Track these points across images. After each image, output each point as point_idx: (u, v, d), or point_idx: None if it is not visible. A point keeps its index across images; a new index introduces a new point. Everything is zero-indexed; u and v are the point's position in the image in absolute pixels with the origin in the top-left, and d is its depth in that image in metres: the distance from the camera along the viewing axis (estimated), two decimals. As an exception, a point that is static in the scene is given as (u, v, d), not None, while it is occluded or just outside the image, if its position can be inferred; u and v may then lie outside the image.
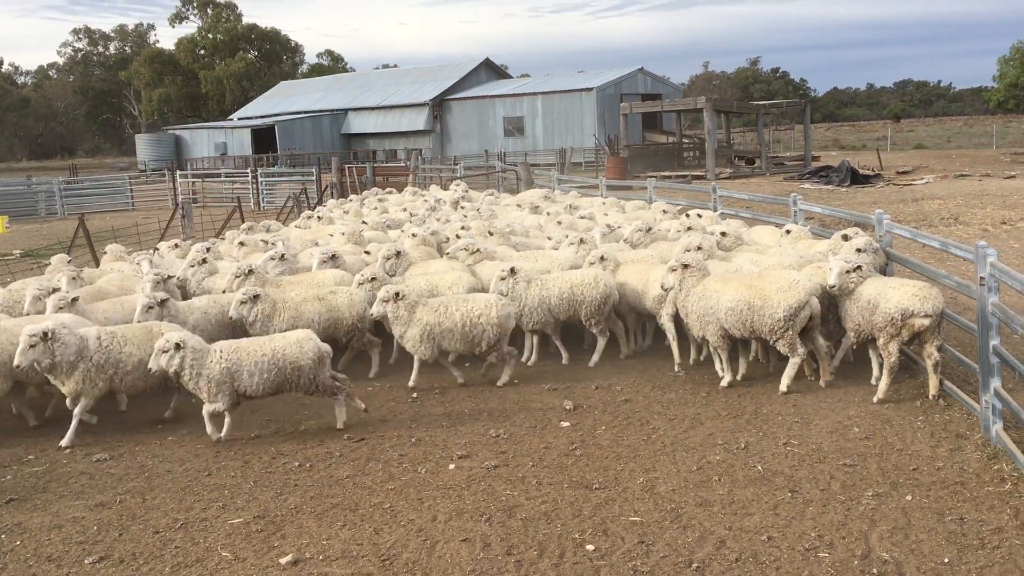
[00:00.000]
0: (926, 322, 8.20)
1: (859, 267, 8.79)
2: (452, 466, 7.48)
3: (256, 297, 9.70)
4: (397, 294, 9.44)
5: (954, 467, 6.97)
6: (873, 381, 9.01)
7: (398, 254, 11.10)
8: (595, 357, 10.32)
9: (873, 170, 36.49)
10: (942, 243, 9.02)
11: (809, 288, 8.78)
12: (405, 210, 18.27)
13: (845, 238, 9.96)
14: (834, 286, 8.75)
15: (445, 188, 23.75)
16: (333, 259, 11.38)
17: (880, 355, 8.72)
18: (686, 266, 9.32)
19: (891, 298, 8.35)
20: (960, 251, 8.45)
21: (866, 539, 5.89)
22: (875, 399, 8.53)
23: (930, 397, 8.46)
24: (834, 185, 32.75)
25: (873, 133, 74.62)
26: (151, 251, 13.82)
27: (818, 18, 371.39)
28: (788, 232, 11.59)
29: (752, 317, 8.84)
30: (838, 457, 7.26)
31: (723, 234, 11.42)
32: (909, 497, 6.47)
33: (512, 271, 10.09)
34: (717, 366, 9.54)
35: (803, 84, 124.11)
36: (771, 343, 8.98)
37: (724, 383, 9.27)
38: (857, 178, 33.19)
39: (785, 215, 14.49)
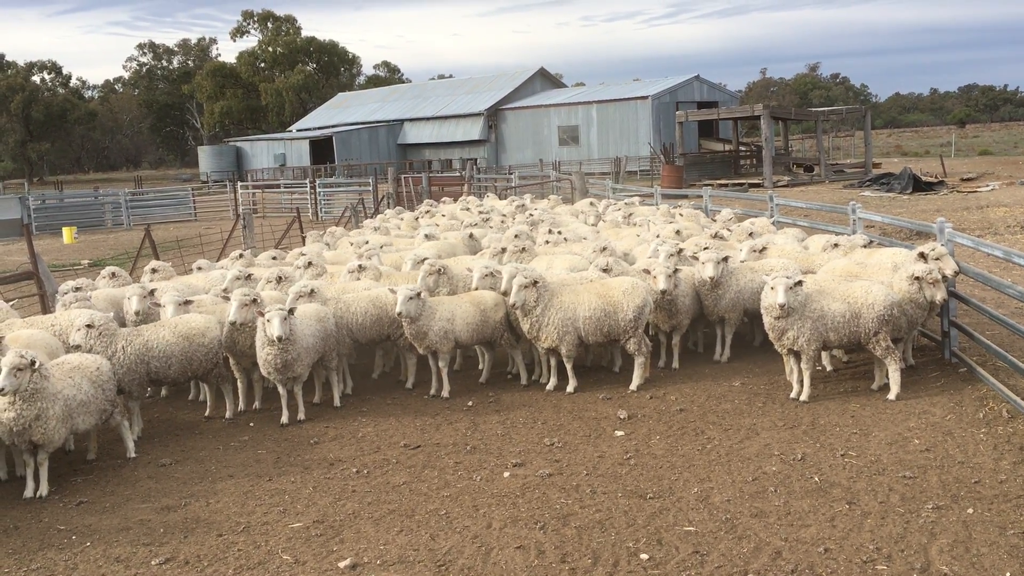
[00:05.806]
0: None
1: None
2: (507, 474, 7.55)
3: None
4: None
5: (1017, 480, 6.83)
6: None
7: (255, 300, 9.55)
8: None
9: (936, 177, 35.74)
10: (1005, 252, 8.82)
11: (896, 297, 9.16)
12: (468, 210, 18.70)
13: (922, 256, 9.58)
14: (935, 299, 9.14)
15: (501, 198, 23.87)
16: (187, 304, 10.02)
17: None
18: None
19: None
20: (1024, 260, 8.29)
21: (925, 552, 5.81)
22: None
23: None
24: (895, 192, 32.18)
25: (937, 139, 73.08)
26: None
27: (879, 22, 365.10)
28: (836, 246, 11.21)
29: (851, 324, 9.01)
30: (897, 469, 7.16)
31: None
32: (970, 510, 6.37)
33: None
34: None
35: (864, 90, 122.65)
36: (869, 347, 9.10)
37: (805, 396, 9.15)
38: (919, 185, 32.57)
39: (844, 224, 14.27)
